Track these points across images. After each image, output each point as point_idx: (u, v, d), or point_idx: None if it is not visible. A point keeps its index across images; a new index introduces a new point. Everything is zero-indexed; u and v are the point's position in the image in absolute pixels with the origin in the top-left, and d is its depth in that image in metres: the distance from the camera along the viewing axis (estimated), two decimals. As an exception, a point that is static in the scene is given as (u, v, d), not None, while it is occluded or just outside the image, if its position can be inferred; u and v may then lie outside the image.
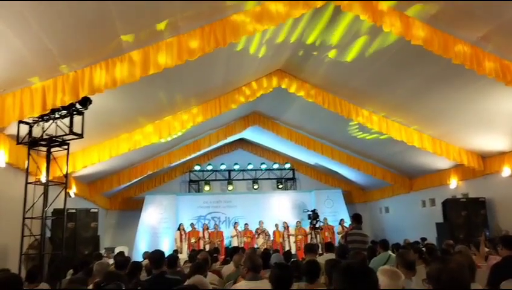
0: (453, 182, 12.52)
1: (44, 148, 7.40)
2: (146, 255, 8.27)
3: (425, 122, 10.65)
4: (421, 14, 6.93)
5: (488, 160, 11.13)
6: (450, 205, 11.55)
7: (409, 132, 10.89)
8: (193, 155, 15.01)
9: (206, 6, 6.31)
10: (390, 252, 7.56)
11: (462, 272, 2.20)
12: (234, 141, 17.86)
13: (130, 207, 16.59)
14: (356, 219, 7.06)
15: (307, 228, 14.43)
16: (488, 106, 8.88)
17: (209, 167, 17.60)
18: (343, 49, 8.87)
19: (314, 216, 13.49)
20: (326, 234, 15.05)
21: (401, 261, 3.45)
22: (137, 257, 13.13)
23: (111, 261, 8.15)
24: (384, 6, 6.84)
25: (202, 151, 15.20)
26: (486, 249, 7.22)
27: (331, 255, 6.12)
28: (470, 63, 7.05)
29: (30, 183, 7.31)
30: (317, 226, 13.60)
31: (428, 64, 8.18)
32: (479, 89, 8.33)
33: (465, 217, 11.21)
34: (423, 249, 7.45)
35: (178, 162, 15.06)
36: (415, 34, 6.92)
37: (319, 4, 6.64)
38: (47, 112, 6.31)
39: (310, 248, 6.08)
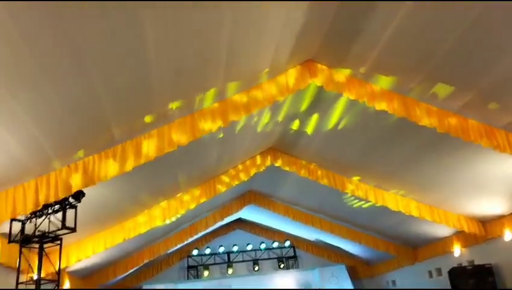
0: (457, 250, 12.22)
1: (37, 245, 7.25)
2: None
3: (421, 191, 10.65)
4: (402, 88, 7.22)
5: (489, 224, 10.98)
6: (457, 274, 11.17)
7: (406, 201, 10.85)
8: (190, 239, 14.71)
9: (192, 97, 6.58)
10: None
11: None
12: (231, 222, 17.60)
13: (127, 299, 15.94)
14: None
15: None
16: (480, 171, 8.93)
17: (208, 251, 17.17)
18: (332, 124, 9.11)
19: (317, 296, 12.98)
20: (334, 313, 14.40)
21: None
22: None
23: None
24: (362, 84, 7.15)
25: (199, 234, 14.95)
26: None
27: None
28: (454, 131, 7.23)
29: (21, 283, 7.06)
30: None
31: (415, 134, 8.37)
32: (468, 154, 8.43)
33: (474, 285, 10.79)
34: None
35: (175, 248, 14.71)
36: (398, 109, 7.15)
37: (302, 86, 6.93)
38: (39, 208, 6.26)
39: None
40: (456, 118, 7.28)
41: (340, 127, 8.96)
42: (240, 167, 10.75)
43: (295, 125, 9.62)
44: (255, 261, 17.20)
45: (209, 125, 6.69)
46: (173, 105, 6.44)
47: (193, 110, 6.75)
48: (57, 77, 4.89)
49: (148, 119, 6.45)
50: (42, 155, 5.97)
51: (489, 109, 7.13)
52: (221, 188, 10.53)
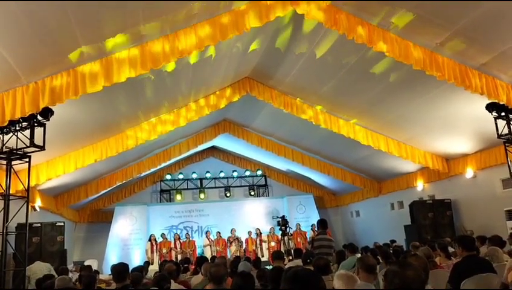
0: (420, 185, 12.82)
1: (4, 162, 7.17)
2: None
3: (391, 127, 10.88)
4: (382, 22, 7.10)
5: (452, 162, 11.46)
6: (417, 207, 11.81)
7: (375, 137, 11.10)
8: (163, 164, 14.84)
9: (170, 15, 6.29)
10: (358, 255, 7.68)
11: (416, 279, 2.22)
12: (205, 149, 17.77)
13: (99, 219, 16.26)
14: (322, 224, 7.12)
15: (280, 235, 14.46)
16: (450, 110, 9.15)
17: (180, 176, 17.42)
18: (308, 57, 8.98)
19: (283, 222, 13.54)
20: (299, 239, 15.13)
21: (361, 265, 3.48)
22: (107, 269, 12.86)
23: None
24: (343, 14, 6.96)
25: (173, 160, 15.07)
26: (452, 250, 7.41)
27: (299, 261, 6.16)
28: (430, 69, 7.25)
29: (-11, 197, 7.07)
30: (287, 231, 13.65)
31: (391, 71, 8.39)
32: (440, 93, 8.58)
33: (432, 218, 11.48)
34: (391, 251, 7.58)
35: (148, 171, 14.82)
36: (377, 41, 7.07)
37: (281, 13, 6.70)
38: (6, 123, 6.10)
39: (277, 255, 6.11)
40: (432, 55, 7.27)
41: (317, 57, 8.82)
42: (216, 94, 10.61)
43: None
44: (227, 188, 17.61)
45: (185, 48, 6.47)
46: (149, 25, 6.17)
47: (167, 32, 6.49)
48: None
49: (119, 39, 6.19)
50: (7, 70, 5.71)
51: (463, 48, 7.13)
52: (195, 115, 10.44)
